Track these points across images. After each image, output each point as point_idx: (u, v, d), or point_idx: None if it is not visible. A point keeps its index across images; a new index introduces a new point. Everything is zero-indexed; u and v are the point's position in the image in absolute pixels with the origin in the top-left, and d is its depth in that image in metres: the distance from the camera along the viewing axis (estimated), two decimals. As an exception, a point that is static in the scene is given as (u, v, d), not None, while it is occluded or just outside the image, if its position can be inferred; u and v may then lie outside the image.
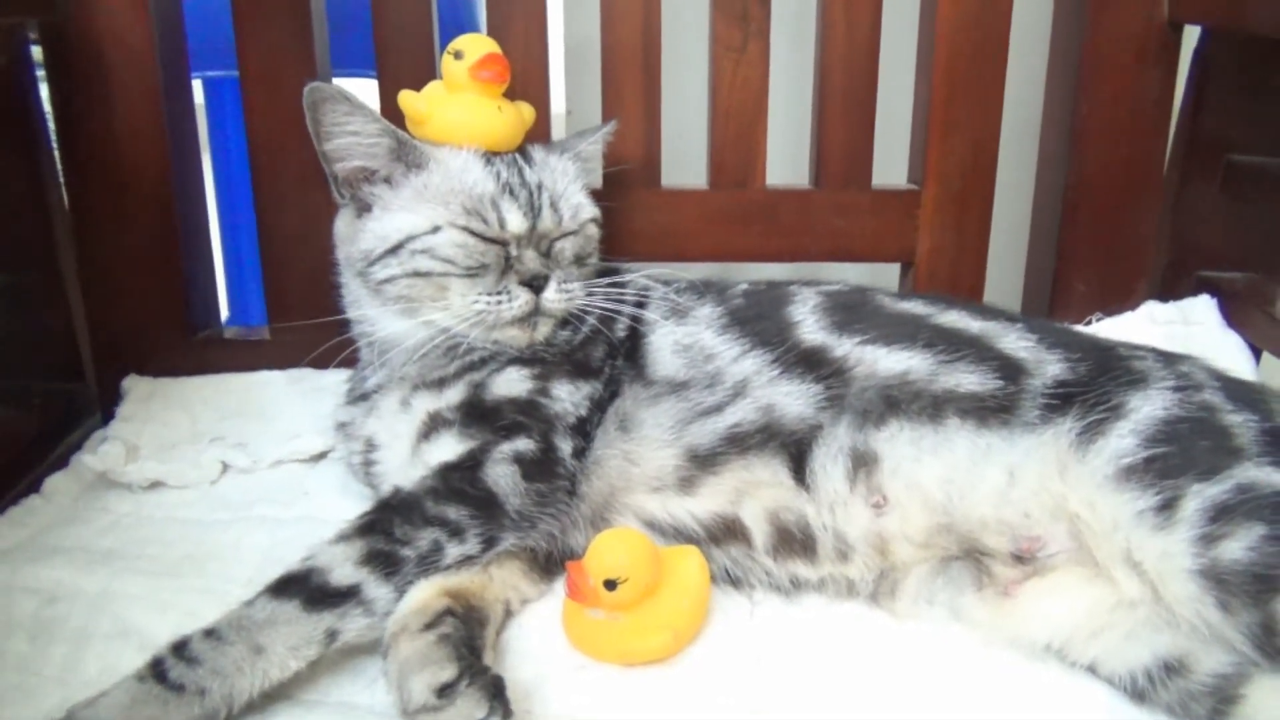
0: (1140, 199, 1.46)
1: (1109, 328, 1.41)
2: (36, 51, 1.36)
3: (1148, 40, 1.40)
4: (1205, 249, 1.47)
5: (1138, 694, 0.91)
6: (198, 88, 1.61)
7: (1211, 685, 0.87)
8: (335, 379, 1.35)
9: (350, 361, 1.25)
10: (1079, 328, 1.39)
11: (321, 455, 1.32)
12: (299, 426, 1.34)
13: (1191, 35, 1.42)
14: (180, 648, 0.85)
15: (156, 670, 0.84)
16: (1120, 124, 1.43)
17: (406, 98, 1.15)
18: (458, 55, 1.15)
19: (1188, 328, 1.41)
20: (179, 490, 1.25)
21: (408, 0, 1.36)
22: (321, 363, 1.31)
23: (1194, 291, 1.45)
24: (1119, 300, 1.47)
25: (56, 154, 1.38)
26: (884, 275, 1.55)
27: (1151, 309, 1.45)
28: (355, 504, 1.18)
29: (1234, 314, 1.41)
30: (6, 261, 1.34)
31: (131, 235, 1.40)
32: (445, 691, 0.81)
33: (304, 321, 1.23)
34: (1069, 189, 1.46)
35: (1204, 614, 0.86)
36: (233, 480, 1.28)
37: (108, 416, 1.38)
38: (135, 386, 1.39)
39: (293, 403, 1.39)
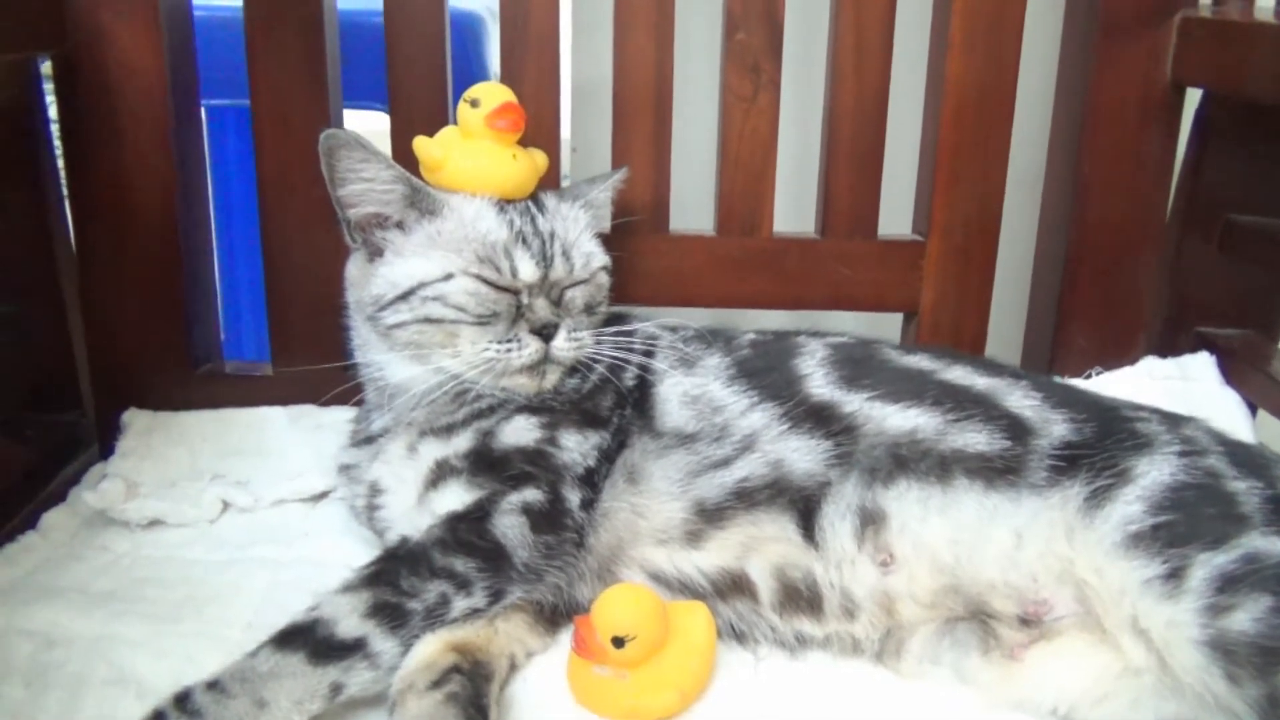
0: (1141, 255, 1.47)
1: (1109, 382, 1.42)
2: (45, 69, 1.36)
3: (1150, 101, 1.42)
4: (1203, 306, 1.49)
5: (1143, 762, 0.91)
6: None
7: (1216, 756, 0.88)
8: (337, 416, 1.35)
9: (357, 401, 1.24)
10: (1079, 382, 1.41)
11: (323, 495, 1.31)
12: (301, 465, 1.33)
13: (1193, 96, 1.44)
14: (183, 700, 0.84)
15: (159, 723, 0.83)
16: (1122, 181, 1.45)
17: (421, 144, 1.15)
18: (474, 103, 1.15)
19: (1186, 384, 1.42)
20: (178, 529, 1.23)
21: (421, 44, 1.36)
22: (328, 403, 1.31)
23: (1192, 347, 1.46)
24: (1118, 355, 1.48)
25: (63, 185, 1.38)
26: (886, 325, 1.56)
27: (1151, 364, 1.46)
28: (356, 546, 1.18)
29: (1231, 371, 1.42)
30: (7, 291, 1.33)
31: (135, 267, 1.39)
32: (453, 753, 0.81)
33: (309, 367, 1.23)
34: (1071, 244, 1.47)
35: (1210, 684, 0.86)
36: (233, 519, 1.26)
37: (105, 449, 1.37)
38: (135, 420, 1.38)
39: (294, 440, 1.37)
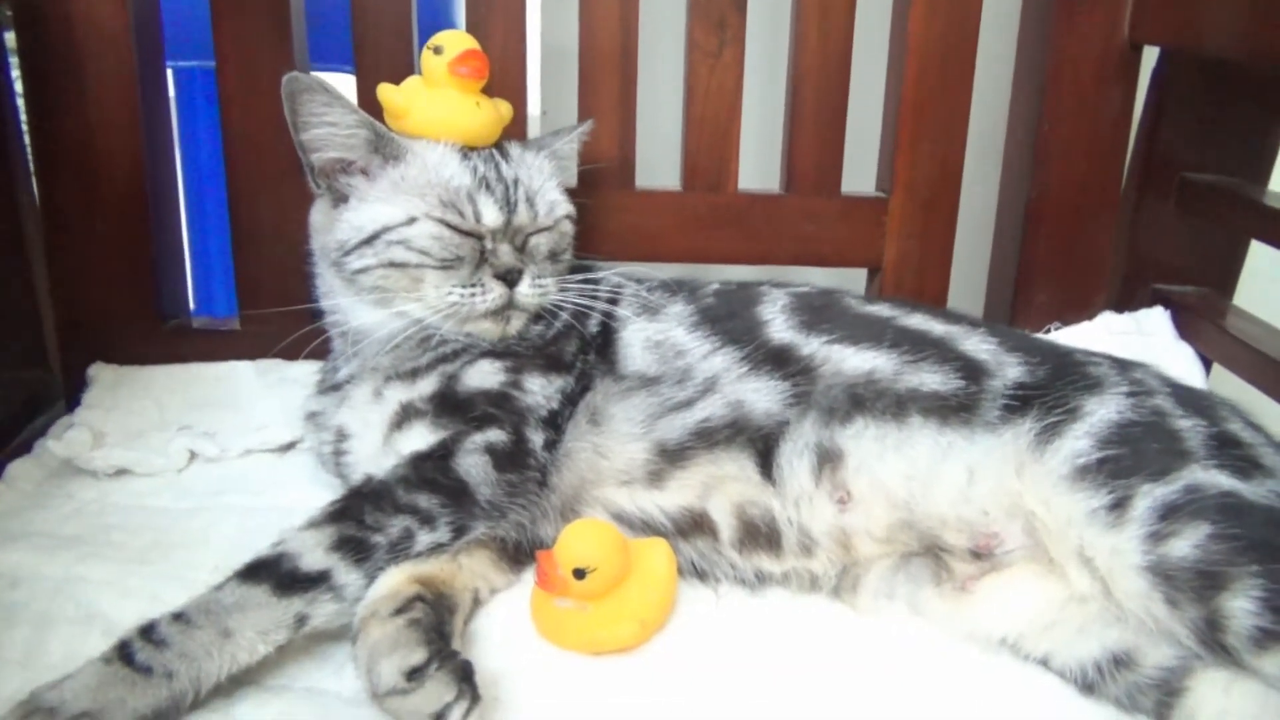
0: (1099, 213, 1.50)
1: (1067, 336, 1.45)
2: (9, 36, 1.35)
3: (1108, 60, 1.44)
4: (1160, 263, 1.52)
5: (1088, 686, 0.94)
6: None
7: (1158, 678, 0.90)
8: (304, 370, 1.35)
9: (321, 353, 1.25)
10: (1038, 335, 1.44)
11: (290, 446, 1.31)
12: (267, 417, 1.33)
13: (1150, 56, 1.46)
14: (148, 631, 0.85)
15: (123, 653, 0.83)
16: (1081, 140, 1.47)
17: (385, 91, 1.16)
18: (437, 50, 1.16)
19: (1142, 338, 1.45)
20: (145, 478, 1.24)
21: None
22: (292, 353, 1.31)
23: (1149, 303, 1.49)
24: (1077, 310, 1.51)
25: (27, 139, 1.37)
26: (851, 280, 1.58)
27: (1108, 319, 1.49)
28: (324, 494, 1.17)
29: (1186, 326, 1.45)
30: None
31: (102, 223, 1.39)
32: (414, 675, 0.82)
33: (276, 310, 1.23)
34: (1031, 202, 1.50)
35: (1151, 609, 0.89)
36: (200, 469, 1.27)
37: (72, 404, 1.37)
38: (102, 374, 1.38)
39: (261, 393, 1.38)
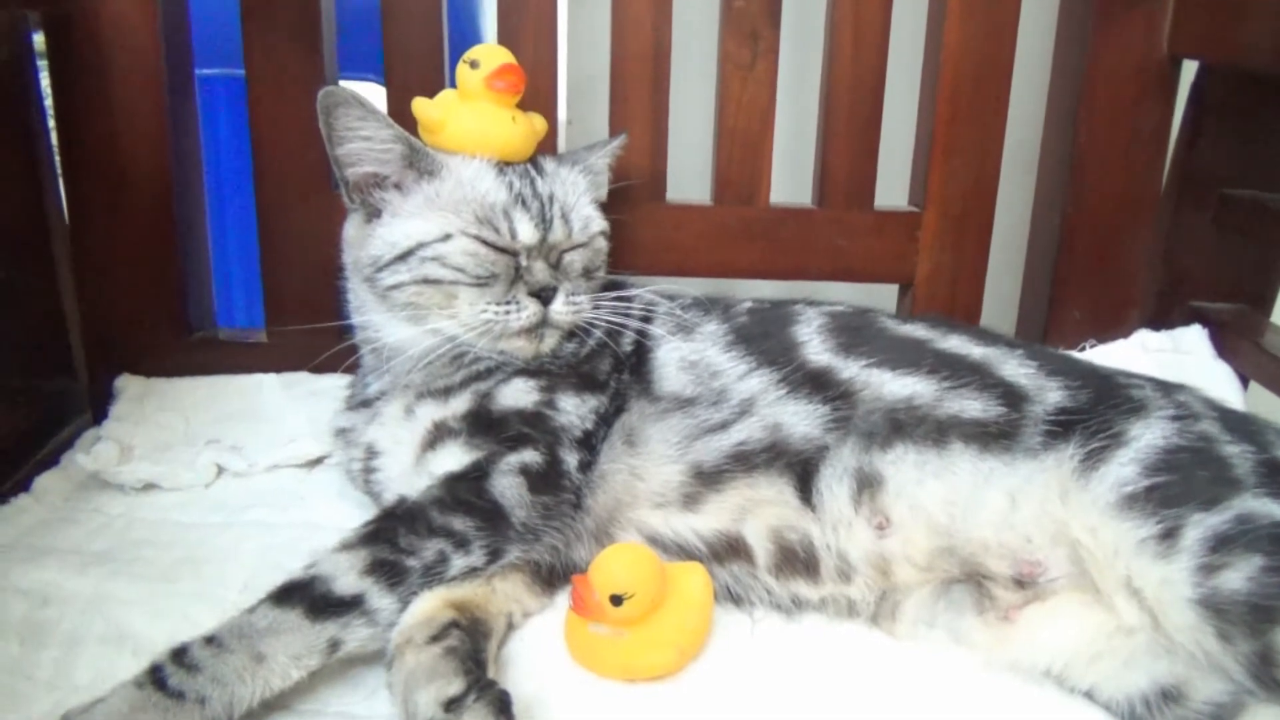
0: (1135, 229, 1.48)
1: (1102, 354, 1.43)
2: (38, 41, 1.35)
3: (1146, 73, 1.42)
4: (1197, 279, 1.49)
5: (1135, 720, 0.92)
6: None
7: (1208, 714, 0.88)
8: (331, 384, 1.34)
9: (349, 368, 1.24)
10: (1073, 354, 1.42)
11: (318, 460, 1.30)
12: (295, 431, 1.32)
13: (1189, 70, 1.44)
14: (180, 654, 0.84)
15: (155, 677, 0.82)
16: (1117, 155, 1.45)
17: (420, 105, 1.15)
18: (473, 64, 1.15)
19: (1178, 356, 1.43)
20: (173, 492, 1.23)
21: (417, 10, 1.36)
22: (321, 369, 1.30)
23: (1185, 321, 1.47)
24: (1112, 327, 1.49)
25: (55, 147, 1.37)
26: (882, 296, 1.56)
27: (1144, 337, 1.47)
28: (352, 510, 1.18)
29: (1224, 344, 1.43)
30: (-1, 255, 1.32)
31: (128, 233, 1.39)
32: (452, 705, 0.81)
33: (303, 326, 1.22)
34: (1066, 217, 1.48)
35: (1202, 643, 0.87)
36: (227, 484, 1.26)
37: (98, 415, 1.36)
38: (128, 386, 1.38)
39: (289, 407, 1.37)
